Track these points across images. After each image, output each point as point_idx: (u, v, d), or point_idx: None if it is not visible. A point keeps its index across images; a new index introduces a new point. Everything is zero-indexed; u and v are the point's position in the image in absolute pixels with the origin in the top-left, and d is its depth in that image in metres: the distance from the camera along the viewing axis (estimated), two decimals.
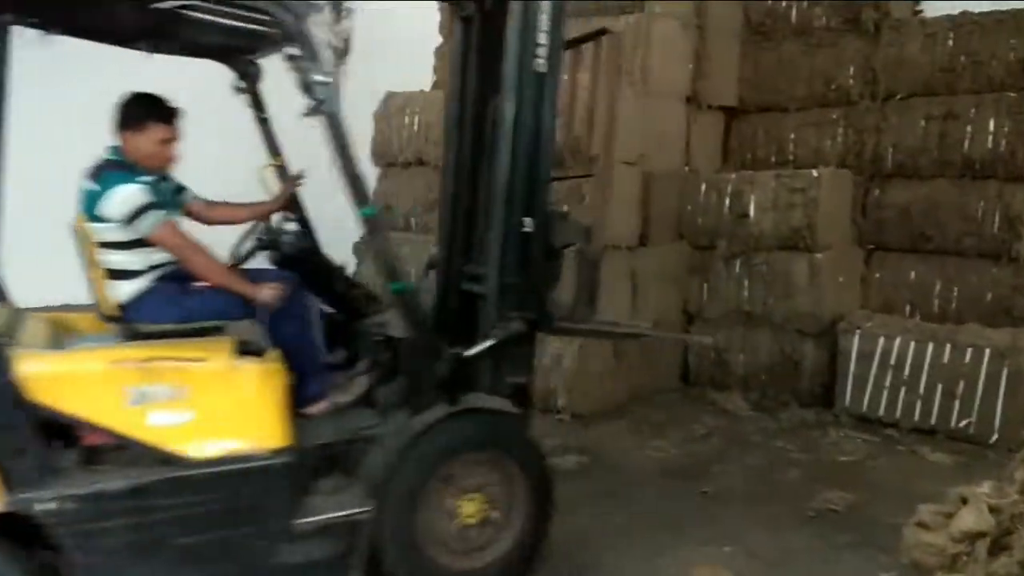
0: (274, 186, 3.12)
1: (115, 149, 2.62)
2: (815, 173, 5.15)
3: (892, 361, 4.61)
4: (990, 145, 4.86)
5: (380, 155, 6.21)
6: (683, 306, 5.54)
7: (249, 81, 3.05)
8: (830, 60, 5.83)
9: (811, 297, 5.00)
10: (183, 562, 2.26)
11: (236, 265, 2.92)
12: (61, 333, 2.54)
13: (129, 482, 2.18)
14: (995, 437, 4.25)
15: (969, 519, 2.50)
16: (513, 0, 2.69)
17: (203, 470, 2.27)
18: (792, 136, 6.01)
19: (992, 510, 2.46)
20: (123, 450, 2.23)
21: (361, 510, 2.46)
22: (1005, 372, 4.25)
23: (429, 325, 2.72)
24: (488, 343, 2.75)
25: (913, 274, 5.20)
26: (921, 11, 5.81)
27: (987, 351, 4.32)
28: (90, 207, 2.49)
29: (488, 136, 2.96)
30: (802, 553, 3.15)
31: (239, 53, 2.93)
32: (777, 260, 5.12)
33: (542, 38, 2.70)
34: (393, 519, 2.52)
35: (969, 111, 5.00)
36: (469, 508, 2.68)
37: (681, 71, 5.77)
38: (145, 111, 2.59)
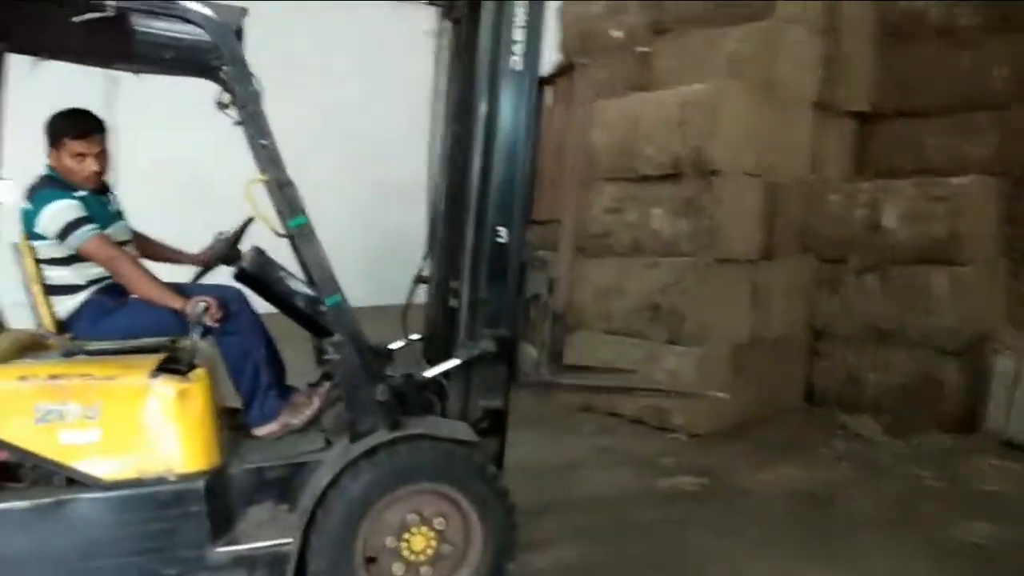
0: (256, 201, 2.86)
1: (50, 167, 2.64)
2: (959, 181, 4.82)
3: None
4: None
5: None
6: (809, 322, 5.30)
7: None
8: (975, 61, 5.45)
9: (953, 313, 4.67)
10: None
11: (197, 278, 2.87)
12: (26, 350, 2.51)
13: (31, 502, 2.15)
14: None
15: None
16: None
17: (112, 492, 2.22)
18: (932, 142, 5.64)
19: None
20: (35, 468, 2.22)
21: (283, 542, 2.31)
22: None
23: (366, 343, 2.51)
24: (451, 363, 2.60)
25: None
26: None
27: None
28: (27, 225, 2.53)
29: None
30: None
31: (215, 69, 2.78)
32: (915, 274, 4.82)
33: (518, 34, 2.54)
34: (323, 553, 2.33)
35: None
36: (417, 543, 2.46)
37: (809, 77, 5.56)
38: (59, 128, 2.59)
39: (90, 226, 2.51)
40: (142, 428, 2.25)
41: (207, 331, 2.51)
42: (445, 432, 2.52)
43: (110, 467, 2.22)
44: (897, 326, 4.85)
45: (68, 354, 2.43)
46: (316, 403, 2.71)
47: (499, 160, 2.58)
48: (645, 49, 6.17)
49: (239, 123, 2.36)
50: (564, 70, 2.94)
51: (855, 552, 3.24)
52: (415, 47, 9.50)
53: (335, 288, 2.43)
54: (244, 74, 2.25)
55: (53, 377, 2.20)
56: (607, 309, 5.23)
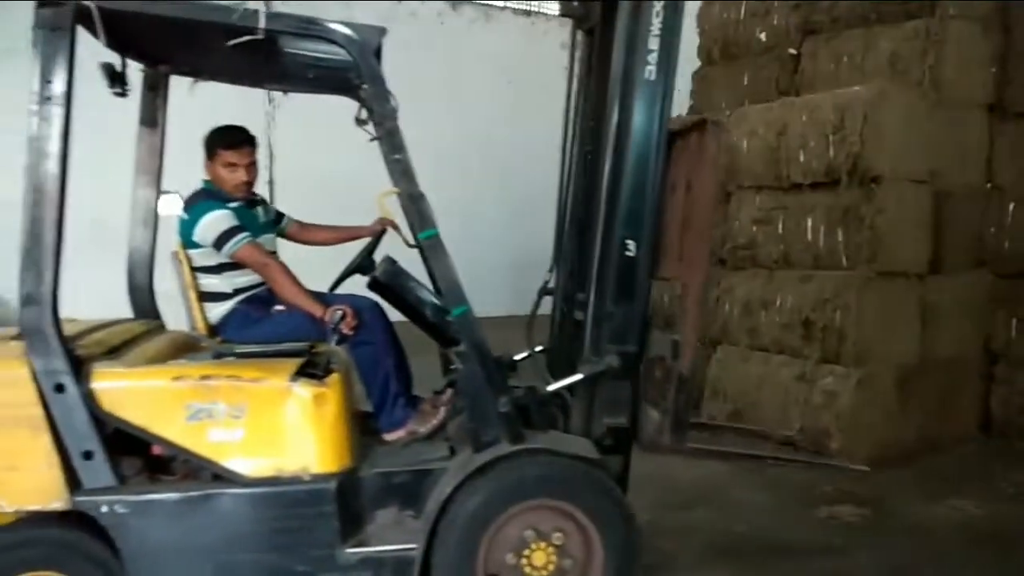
0: (389, 212, 3.01)
1: (206, 180, 2.86)
2: None
3: None
4: None
5: None
6: (985, 343, 4.81)
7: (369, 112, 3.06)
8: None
9: None
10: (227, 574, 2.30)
11: (334, 287, 2.95)
12: (182, 350, 2.66)
13: (182, 494, 2.28)
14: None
15: None
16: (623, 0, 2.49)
17: (252, 489, 2.31)
18: None
19: None
20: (185, 463, 2.34)
21: (409, 547, 2.34)
22: None
23: (491, 355, 2.49)
24: (574, 378, 2.55)
25: None
26: None
27: None
28: (185, 234, 2.73)
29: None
30: None
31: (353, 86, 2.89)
32: None
33: (653, 43, 2.48)
34: (446, 560, 2.34)
35: None
36: (538, 558, 2.42)
37: (981, 77, 5.11)
38: (214, 140, 2.81)
39: (243, 235, 2.69)
40: (281, 429, 2.33)
41: (343, 338, 2.60)
42: (566, 448, 2.47)
43: (252, 465, 2.31)
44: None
45: (218, 356, 2.56)
46: (442, 412, 2.75)
47: (629, 171, 2.52)
48: (794, 51, 5.85)
49: (375, 139, 2.44)
50: (695, 125, 2.79)
51: None
52: (549, 61, 9.64)
53: (462, 299, 2.44)
54: (381, 92, 2.32)
55: (204, 378, 2.31)
56: (753, 324, 4.94)
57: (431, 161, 9.27)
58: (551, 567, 2.42)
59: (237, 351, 2.60)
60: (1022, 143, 5.29)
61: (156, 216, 2.88)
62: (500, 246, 9.75)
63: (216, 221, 2.68)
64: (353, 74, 2.37)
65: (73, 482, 2.20)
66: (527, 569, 2.41)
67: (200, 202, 2.74)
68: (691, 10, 6.90)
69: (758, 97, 5.92)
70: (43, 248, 2.17)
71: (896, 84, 4.79)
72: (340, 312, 2.58)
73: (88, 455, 2.21)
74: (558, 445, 2.48)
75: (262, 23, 2.20)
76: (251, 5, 2.24)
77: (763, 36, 6.08)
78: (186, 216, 2.74)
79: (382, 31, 2.37)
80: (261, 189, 10.39)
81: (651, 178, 2.55)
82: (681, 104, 6.91)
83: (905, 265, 4.55)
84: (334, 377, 2.43)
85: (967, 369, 4.78)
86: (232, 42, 2.23)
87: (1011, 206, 4.76)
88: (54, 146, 2.15)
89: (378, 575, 2.35)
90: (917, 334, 4.59)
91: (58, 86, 2.14)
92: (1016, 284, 4.68)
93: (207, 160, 2.83)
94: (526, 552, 2.40)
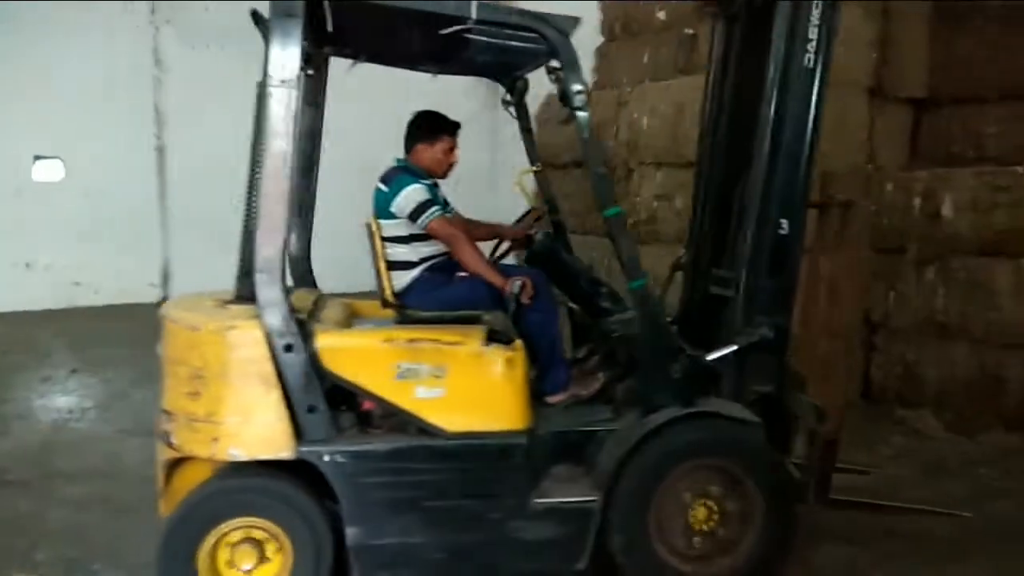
0: (530, 190, 3.35)
1: (402, 158, 3.06)
2: (1021, 170, 4.61)
3: None
4: None
5: (542, 156, 6.19)
6: (865, 315, 5.12)
7: (516, 95, 3.27)
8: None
9: (1018, 307, 4.46)
10: (432, 524, 2.52)
11: (500, 258, 3.25)
12: (351, 315, 2.98)
13: (393, 445, 2.50)
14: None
15: None
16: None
17: (453, 442, 2.52)
18: (991, 130, 5.41)
19: None
20: (390, 417, 2.55)
21: (591, 499, 2.55)
22: None
23: (667, 324, 2.76)
24: (732, 348, 2.71)
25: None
26: None
27: None
28: (381, 206, 2.90)
29: (747, 137, 2.86)
30: None
31: (510, 70, 3.17)
32: (977, 266, 4.63)
33: (812, 32, 2.64)
34: (621, 512, 2.57)
35: None
36: (700, 514, 2.66)
37: (863, 60, 5.37)
38: (438, 125, 3.05)
39: (436, 208, 2.88)
40: (477, 388, 2.56)
41: (519, 306, 2.76)
42: (732, 412, 2.69)
43: (452, 420, 2.52)
44: (958, 320, 4.66)
45: (400, 322, 2.80)
46: (600, 377, 2.98)
47: (784, 155, 2.69)
48: (691, 31, 5.99)
49: (566, 121, 2.80)
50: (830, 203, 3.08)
51: (909, 569, 3.04)
52: None
53: (641, 272, 2.63)
54: (578, 78, 2.51)
55: (411, 340, 2.53)
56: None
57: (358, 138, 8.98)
58: (713, 521, 2.65)
59: (416, 317, 2.80)
60: (899, 125, 5.66)
61: (314, 190, 3.08)
62: None
63: (414, 194, 2.86)
64: (543, 60, 2.64)
65: (297, 434, 2.40)
66: (693, 523, 2.64)
67: (399, 176, 2.91)
68: None
69: (659, 75, 6.04)
70: (275, 220, 2.36)
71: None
72: (520, 283, 2.76)
73: (312, 409, 2.41)
74: (723, 409, 2.69)
75: (474, 13, 2.39)
76: None
77: (662, 15, 6.21)
78: (385, 189, 2.91)
79: (577, 21, 2.54)
80: (149, 156, 9.84)
81: (804, 162, 2.72)
82: (586, 78, 6.99)
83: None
84: (518, 343, 2.63)
85: (849, 339, 5.08)
86: (445, 31, 2.45)
87: (889, 185, 5.05)
88: (286, 126, 2.32)
89: (561, 524, 2.56)
90: (801, 305, 4.84)
91: (291, 69, 2.31)
92: (894, 259, 4.98)
93: (421, 141, 3.03)
94: (694, 507, 2.63)
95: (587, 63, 6.96)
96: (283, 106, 2.32)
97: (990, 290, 4.56)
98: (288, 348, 2.39)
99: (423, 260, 2.94)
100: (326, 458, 2.43)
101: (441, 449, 2.52)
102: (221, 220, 8.66)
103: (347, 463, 2.45)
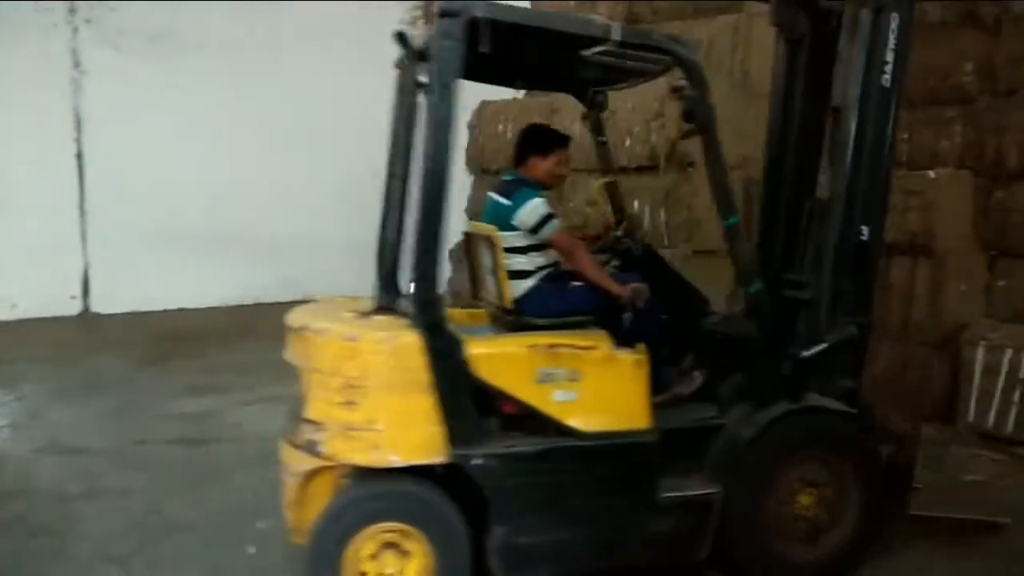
0: (604, 202, 3.53)
1: (514, 171, 3.14)
2: (932, 175, 4.86)
3: (1021, 375, 4.28)
4: None
5: (474, 162, 6.23)
6: None
7: (595, 109, 3.40)
8: (945, 56, 5.50)
9: (930, 306, 4.70)
10: (569, 521, 2.63)
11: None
12: (471, 322, 3.08)
13: (536, 447, 2.59)
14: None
15: None
16: (865, 12, 2.89)
17: (589, 442, 2.63)
18: (905, 136, 5.69)
19: None
20: (528, 420, 2.62)
21: (713, 491, 2.72)
22: None
23: (780, 325, 2.91)
24: (823, 346, 2.87)
25: None
26: None
27: None
28: (503, 217, 2.97)
29: (814, 152, 3.16)
30: None
31: (593, 86, 3.29)
32: (893, 266, 4.85)
33: (889, 55, 2.89)
34: (740, 503, 2.73)
35: None
36: (804, 500, 2.84)
37: None
38: (552, 139, 3.15)
39: (557, 220, 3.00)
40: (608, 390, 2.67)
41: (635, 312, 2.89)
42: (834, 406, 2.89)
43: (586, 421, 2.63)
44: (876, 318, 4.87)
45: (517, 328, 2.85)
46: (698, 376, 3.10)
47: (866, 167, 2.91)
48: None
49: (687, 135, 3.06)
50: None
51: None
52: (383, 38, 9.45)
53: (756, 275, 2.83)
54: (705, 95, 2.69)
55: (551, 346, 2.62)
56: None
57: (271, 142, 8.84)
58: (814, 507, 2.84)
59: (533, 323, 2.85)
60: None
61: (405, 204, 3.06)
62: (340, 228, 9.51)
63: (538, 207, 2.94)
64: (641, 78, 2.95)
65: (451, 439, 2.47)
66: (798, 509, 2.83)
67: (522, 190, 2.98)
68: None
69: None
70: (435, 233, 2.47)
71: (711, 74, 5.12)
72: (637, 289, 2.90)
73: (463, 414, 2.50)
74: (826, 404, 2.89)
75: (617, 35, 2.54)
76: None
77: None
78: (507, 202, 2.98)
79: (698, 44, 2.79)
80: (68, 162, 9.45)
81: (884, 174, 2.95)
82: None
83: (719, 244, 4.89)
84: (641, 346, 2.73)
85: None
86: (588, 51, 2.57)
87: None
88: (448, 138, 2.45)
89: (686, 517, 2.71)
90: (730, 307, 5.00)
91: (454, 87, 2.43)
92: None
93: (535, 155, 3.10)
94: (799, 495, 2.82)
95: None
96: (446, 122, 2.43)
97: (904, 290, 4.79)
98: (444, 356, 2.47)
99: (539, 269, 3.01)
100: (476, 461, 2.51)
101: (579, 449, 2.62)
102: (144, 228, 8.46)
103: (495, 465, 2.53)
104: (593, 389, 2.64)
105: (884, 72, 2.89)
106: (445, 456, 2.47)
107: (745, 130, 5.15)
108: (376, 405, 2.46)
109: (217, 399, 5.31)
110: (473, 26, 2.42)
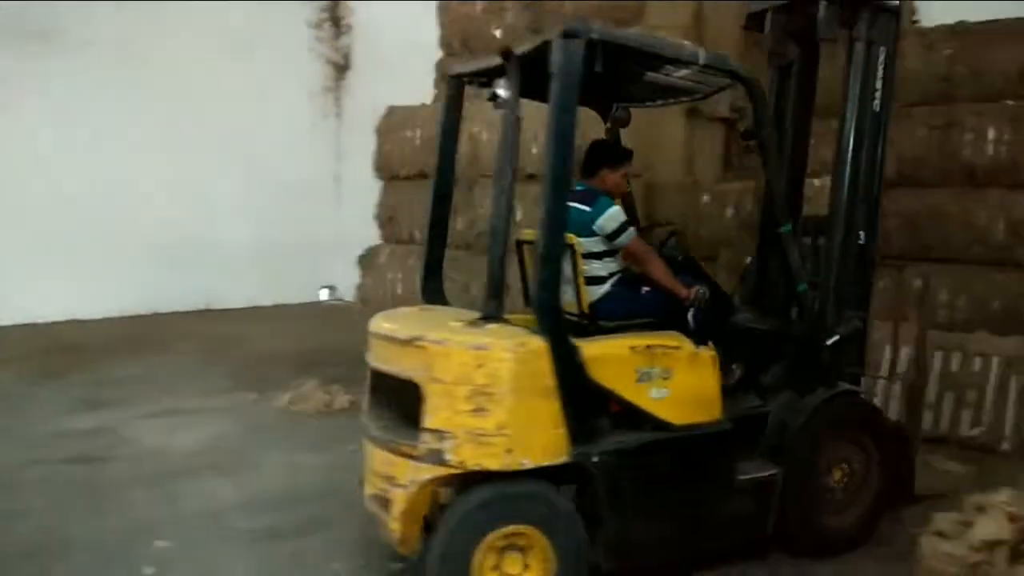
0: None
1: (581, 182, 3.24)
2: (817, 183, 5.17)
3: (899, 370, 4.60)
4: (991, 153, 4.88)
5: (383, 168, 6.20)
6: None
7: (617, 124, 3.53)
8: (827, 69, 5.85)
9: None
10: (669, 509, 2.84)
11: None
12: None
13: (639, 442, 2.77)
14: (1006, 445, 4.25)
15: (988, 528, 2.51)
16: (860, 44, 3.22)
17: (681, 434, 2.83)
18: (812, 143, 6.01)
19: (1011, 519, 2.46)
20: (628, 416, 2.78)
21: (774, 472, 3.01)
22: (1014, 380, 4.26)
23: (823, 319, 3.21)
24: (836, 336, 3.19)
25: (919, 283, 5.20)
26: (918, 21, 5.86)
27: (995, 359, 4.32)
28: (584, 224, 3.06)
29: (801, 168, 3.63)
30: None
31: (619, 102, 3.47)
32: None
33: (878, 83, 3.27)
34: (792, 481, 3.02)
35: (970, 120, 5.00)
36: (837, 476, 3.18)
37: None
38: (621, 153, 3.36)
39: (632, 228, 3.15)
40: (693, 385, 2.88)
41: (698, 312, 3.10)
42: (858, 390, 3.41)
43: (677, 414, 2.83)
44: None
45: (590, 332, 2.92)
46: (738, 371, 3.28)
47: (863, 182, 3.29)
48: None
49: (749, 147, 3.56)
50: None
51: None
52: (292, 40, 9.24)
53: (803, 276, 3.12)
54: (767, 114, 3.06)
55: (648, 347, 2.79)
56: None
57: (165, 142, 8.56)
58: (844, 481, 3.19)
59: (605, 327, 2.99)
60: (713, 142, 6.18)
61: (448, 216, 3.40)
62: (243, 234, 9.28)
63: (616, 214, 3.11)
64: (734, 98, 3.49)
65: (570, 439, 2.58)
66: (832, 483, 3.16)
67: (601, 198, 3.13)
68: (434, 4, 7.09)
69: None
70: (555, 241, 2.64)
71: None
72: (701, 291, 3.11)
73: (582, 415, 2.62)
74: (852, 388, 3.33)
75: (702, 59, 2.86)
76: None
77: (498, 33, 6.42)
78: (588, 208, 3.08)
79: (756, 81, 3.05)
80: None
81: (877, 187, 3.36)
82: (426, 90, 7.08)
83: None
84: (711, 343, 2.96)
85: None
86: (678, 72, 2.95)
87: (705, 196, 5.51)
88: (569, 152, 2.65)
89: (756, 496, 2.98)
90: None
91: (573, 103, 2.63)
92: (709, 265, 5.41)
93: (606, 167, 3.28)
94: (834, 471, 3.16)
95: (428, 78, 7.05)
96: (566, 136, 2.63)
97: None
98: (566, 360, 2.58)
99: (611, 275, 3.14)
100: (594, 459, 2.64)
101: (673, 441, 2.82)
102: (33, 235, 8.00)
103: (609, 461, 2.66)
104: (681, 385, 2.84)
105: (875, 98, 3.26)
106: (567, 456, 2.58)
107: (652, 142, 5.35)
108: (506, 411, 2.51)
109: (113, 414, 5.09)
110: (591, 47, 2.61)
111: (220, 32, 8.48)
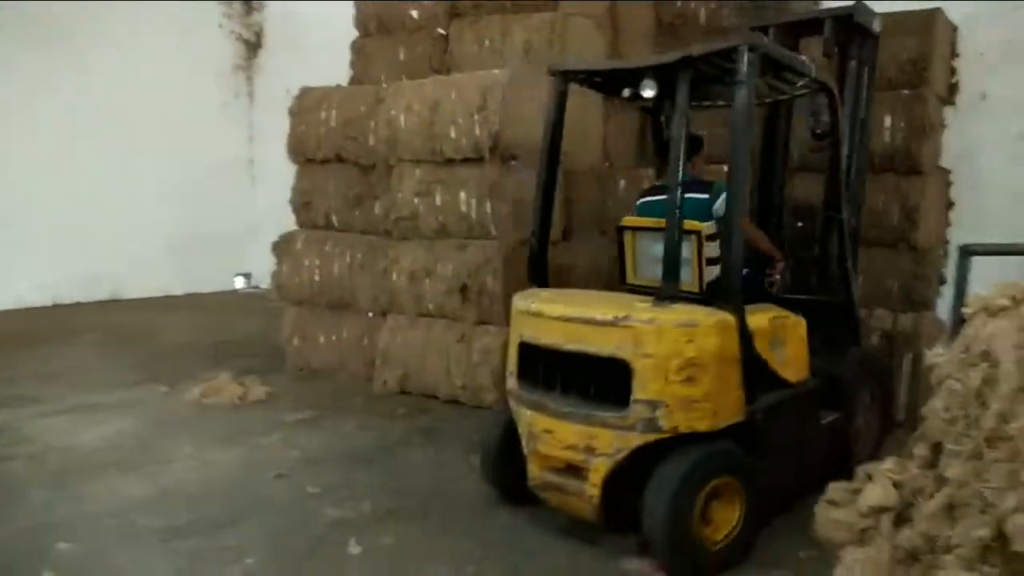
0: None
1: (687, 172, 3.42)
2: (725, 168, 5.32)
3: None
4: (887, 140, 5.13)
5: (297, 151, 6.03)
6: None
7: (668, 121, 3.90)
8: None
9: None
10: (792, 451, 3.30)
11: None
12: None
13: (777, 398, 3.19)
14: (901, 417, 4.52)
15: (874, 495, 2.66)
16: (851, 63, 4.02)
17: (798, 390, 3.32)
18: (705, 133, 6.18)
19: (895, 485, 2.61)
20: (765, 378, 3.15)
21: (839, 416, 3.64)
22: (909, 356, 4.53)
23: (849, 294, 3.89)
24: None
25: None
26: None
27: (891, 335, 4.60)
28: (703, 210, 3.39)
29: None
30: None
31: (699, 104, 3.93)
32: None
33: (864, 94, 4.08)
34: (850, 423, 3.74)
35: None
36: (861, 419, 3.87)
37: None
38: (700, 141, 3.82)
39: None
40: (797, 348, 3.37)
41: (772, 285, 3.71)
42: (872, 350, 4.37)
43: (792, 373, 3.31)
44: None
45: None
46: None
47: (854, 179, 4.14)
48: (443, 31, 6.17)
49: (822, 144, 3.94)
50: None
51: None
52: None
53: (849, 254, 3.93)
54: (841, 119, 3.75)
55: (775, 318, 3.26)
56: (419, 291, 5.22)
57: (67, 125, 8.15)
58: (865, 422, 3.91)
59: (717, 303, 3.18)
60: (629, 128, 6.27)
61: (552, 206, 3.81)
62: (152, 220, 8.91)
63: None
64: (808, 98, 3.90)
65: (745, 400, 3.02)
66: (858, 424, 3.85)
67: (715, 184, 3.48)
68: None
69: (414, 72, 6.15)
70: (738, 231, 3.03)
71: (530, 70, 5.32)
72: (782, 263, 3.75)
73: (751, 380, 3.03)
74: (870, 348, 4.33)
75: (812, 72, 3.45)
76: None
77: (415, 14, 6.32)
78: (704, 196, 3.44)
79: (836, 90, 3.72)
80: None
81: (862, 186, 4.21)
82: (341, 73, 6.92)
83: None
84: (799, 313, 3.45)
85: None
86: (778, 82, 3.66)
87: (622, 182, 5.59)
88: (747, 146, 3.15)
89: (830, 436, 3.59)
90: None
91: (752, 107, 3.09)
92: None
93: (695, 155, 3.76)
94: (860, 415, 3.89)
95: (343, 58, 6.90)
96: (748, 136, 3.14)
97: None
98: (744, 333, 2.98)
99: (715, 259, 3.34)
100: (759, 416, 3.05)
101: (794, 396, 3.29)
102: None
103: (764, 417, 3.08)
104: (791, 349, 3.31)
105: (863, 107, 4.00)
106: (743, 415, 3.00)
107: (569, 128, 5.34)
108: (712, 379, 2.89)
109: (15, 411, 4.84)
110: (764, 59, 3.14)
111: (123, 7, 8.07)
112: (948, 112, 5.74)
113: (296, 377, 5.82)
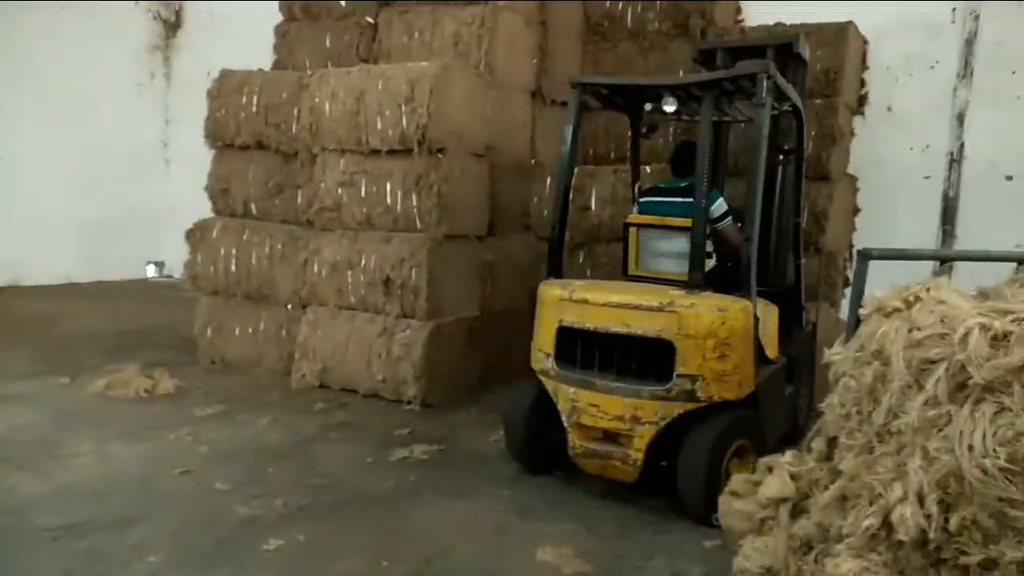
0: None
1: (677, 179, 4.17)
2: (649, 169, 5.44)
3: None
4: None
5: (215, 136, 5.82)
6: (531, 293, 5.65)
7: (650, 131, 4.33)
8: (662, 62, 6.16)
9: None
10: (777, 405, 3.87)
11: None
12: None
13: (769, 371, 3.68)
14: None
15: (773, 486, 2.72)
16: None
17: (776, 364, 3.82)
18: (630, 133, 6.28)
19: (793, 477, 2.70)
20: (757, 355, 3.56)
21: (793, 388, 4.20)
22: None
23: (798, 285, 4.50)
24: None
25: None
26: (742, 20, 6.30)
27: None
28: (704, 209, 3.58)
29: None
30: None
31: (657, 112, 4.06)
32: (617, 250, 5.35)
33: (800, 138, 4.48)
34: (801, 393, 4.35)
35: None
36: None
37: (526, 66, 5.90)
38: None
39: (730, 216, 4.00)
40: (771, 330, 3.88)
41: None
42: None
43: (771, 351, 3.79)
44: None
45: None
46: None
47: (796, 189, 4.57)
48: (371, 20, 6.07)
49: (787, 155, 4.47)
50: None
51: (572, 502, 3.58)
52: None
53: (801, 253, 4.59)
54: (803, 126, 4.38)
55: (765, 306, 3.75)
56: (340, 283, 5.12)
57: None
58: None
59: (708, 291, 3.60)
60: (557, 126, 6.31)
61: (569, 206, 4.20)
62: (57, 203, 8.46)
63: (722, 204, 4.00)
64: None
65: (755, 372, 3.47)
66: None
67: (712, 190, 3.80)
68: None
69: (340, 60, 6.03)
70: (753, 221, 3.49)
71: (459, 63, 5.30)
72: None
73: (761, 358, 3.56)
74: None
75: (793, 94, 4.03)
76: None
77: (343, 1, 6.19)
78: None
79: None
80: None
81: (802, 191, 4.55)
82: (264, 58, 6.71)
83: (467, 229, 5.12)
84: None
85: (518, 318, 5.58)
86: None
87: (548, 179, 5.63)
88: (762, 158, 3.61)
89: (790, 402, 4.18)
90: (479, 290, 5.24)
91: (767, 126, 3.61)
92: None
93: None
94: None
95: (267, 43, 6.71)
96: (763, 149, 3.58)
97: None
98: (756, 317, 3.43)
99: (712, 252, 3.88)
100: (762, 385, 3.52)
101: (775, 370, 3.78)
102: None
103: (764, 385, 3.54)
104: (770, 331, 3.79)
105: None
106: (751, 388, 3.43)
107: (497, 123, 5.39)
108: (739, 355, 3.35)
109: None
110: (773, 86, 3.55)
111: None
112: (857, 121, 6.03)
113: (209, 370, 5.62)
